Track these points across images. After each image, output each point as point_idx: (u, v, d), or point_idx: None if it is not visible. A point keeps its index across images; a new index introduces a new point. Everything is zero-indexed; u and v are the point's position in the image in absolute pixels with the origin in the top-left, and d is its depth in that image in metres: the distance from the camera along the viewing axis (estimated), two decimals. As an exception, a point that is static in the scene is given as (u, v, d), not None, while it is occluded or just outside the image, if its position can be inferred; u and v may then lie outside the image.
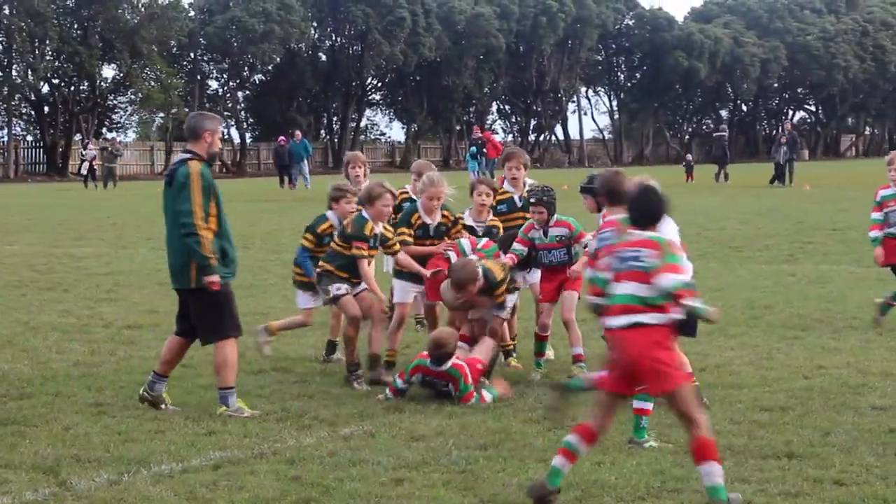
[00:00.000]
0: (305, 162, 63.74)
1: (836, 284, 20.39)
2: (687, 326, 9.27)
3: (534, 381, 12.95)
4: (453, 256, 13.15)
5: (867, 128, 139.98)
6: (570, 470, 8.69)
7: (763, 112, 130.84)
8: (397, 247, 13.10)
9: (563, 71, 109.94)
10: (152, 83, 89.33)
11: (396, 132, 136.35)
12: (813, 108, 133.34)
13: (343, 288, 12.76)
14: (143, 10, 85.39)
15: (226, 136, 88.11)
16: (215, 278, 11.32)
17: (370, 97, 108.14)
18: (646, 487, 8.97)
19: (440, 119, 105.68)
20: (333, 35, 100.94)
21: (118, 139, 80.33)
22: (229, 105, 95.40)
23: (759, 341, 14.84)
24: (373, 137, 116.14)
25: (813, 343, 14.90)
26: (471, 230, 13.71)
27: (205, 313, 11.44)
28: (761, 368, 13.35)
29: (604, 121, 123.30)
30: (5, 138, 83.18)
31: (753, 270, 22.09)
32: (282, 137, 67.81)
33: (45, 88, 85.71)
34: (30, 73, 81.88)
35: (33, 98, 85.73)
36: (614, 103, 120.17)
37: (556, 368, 13.62)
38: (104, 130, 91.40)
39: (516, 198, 14.05)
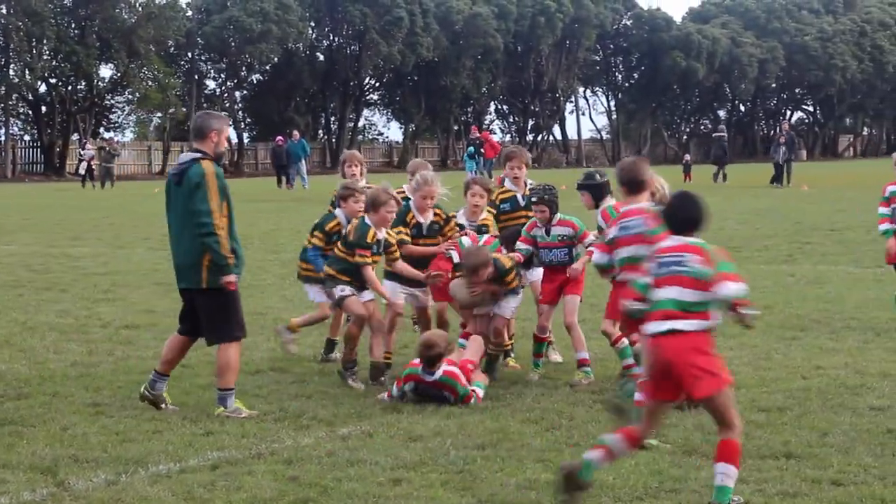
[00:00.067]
0: (303, 162, 63.75)
1: (834, 285, 20.41)
2: None
3: (532, 382, 12.95)
4: (455, 256, 13.16)
5: (865, 128, 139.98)
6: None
7: (761, 112, 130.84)
8: (398, 254, 13.07)
9: (560, 71, 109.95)
10: (150, 83, 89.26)
11: (394, 132, 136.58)
12: (811, 109, 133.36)
13: (347, 289, 12.73)
14: (140, 9, 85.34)
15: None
16: (233, 278, 11.34)
17: (368, 97, 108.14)
18: (644, 487, 8.97)
19: (438, 119, 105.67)
20: (331, 35, 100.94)
21: (115, 139, 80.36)
22: (227, 105, 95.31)
23: (758, 342, 14.84)
24: (370, 137, 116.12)
25: (811, 343, 14.91)
26: (461, 229, 13.72)
27: (214, 314, 11.41)
28: (759, 369, 13.36)
29: (602, 121, 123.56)
30: (3, 138, 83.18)
31: (752, 271, 22.08)
32: (279, 137, 67.83)
33: (43, 88, 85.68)
34: (27, 72, 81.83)
35: (30, 98, 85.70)
36: (612, 103, 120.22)
37: (557, 369, 13.62)
38: (101, 130, 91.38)
39: (519, 196, 14.03)
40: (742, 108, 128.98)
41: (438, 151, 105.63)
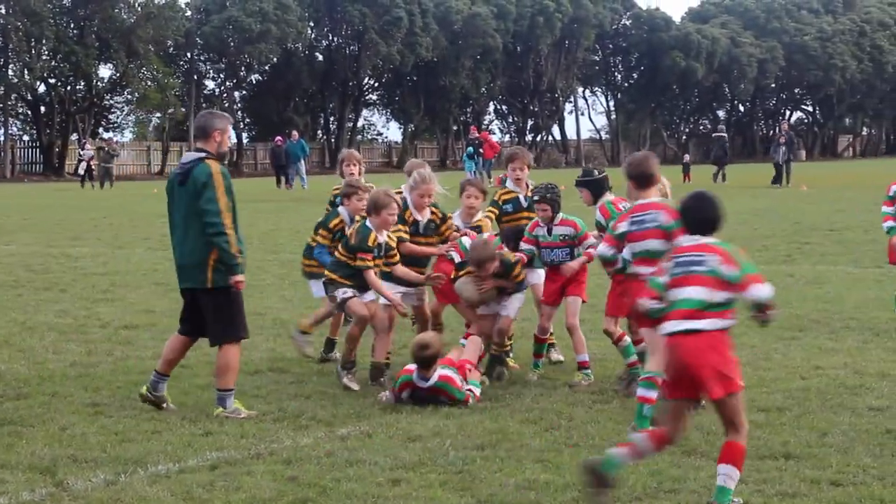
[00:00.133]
0: (302, 162, 63.72)
1: (833, 285, 20.40)
2: None
3: (531, 382, 12.94)
4: (456, 257, 13.14)
5: (864, 128, 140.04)
6: (629, 466, 8.58)
7: (760, 112, 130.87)
8: (398, 257, 13.03)
9: (560, 71, 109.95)
10: (149, 83, 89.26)
11: (393, 132, 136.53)
12: (810, 109, 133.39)
13: (349, 291, 12.68)
14: (139, 9, 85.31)
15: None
16: (242, 277, 11.34)
17: (367, 97, 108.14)
18: (642, 488, 8.97)
19: (437, 119, 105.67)
20: (330, 35, 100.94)
21: (114, 139, 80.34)
22: (226, 105, 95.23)
23: (757, 342, 14.83)
24: (370, 137, 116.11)
25: (810, 344, 14.91)
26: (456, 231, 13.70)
27: (218, 314, 11.39)
28: (759, 369, 13.35)
29: (601, 121, 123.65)
30: (2, 138, 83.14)
31: (750, 271, 22.08)
32: (278, 137, 67.81)
33: (42, 88, 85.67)
34: (26, 72, 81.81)
35: (30, 98, 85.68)
36: (611, 103, 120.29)
37: (556, 370, 13.62)
38: (100, 130, 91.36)
39: (521, 198, 13.97)
40: (741, 108, 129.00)
41: (437, 151, 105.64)
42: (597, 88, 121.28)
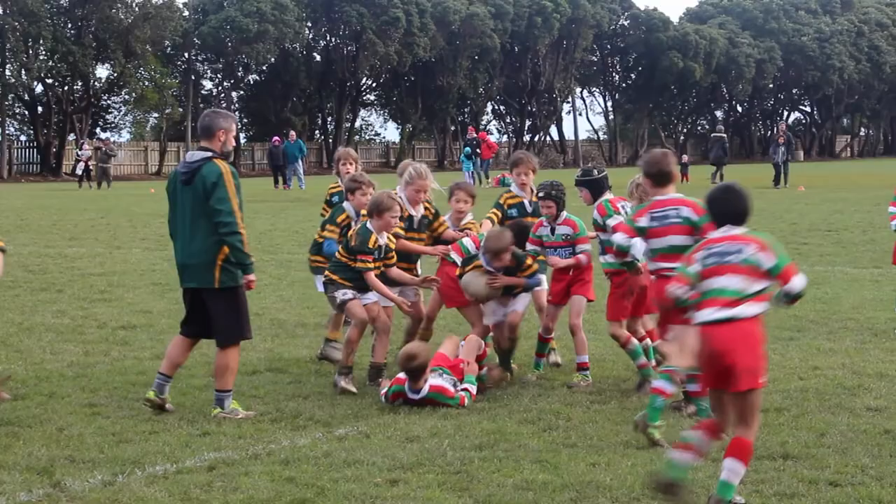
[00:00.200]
0: (300, 162, 63.74)
1: (831, 285, 20.39)
2: None
3: (529, 382, 12.93)
4: (457, 258, 13.09)
5: (862, 129, 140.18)
6: (687, 465, 8.55)
7: (758, 113, 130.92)
8: (395, 259, 13.00)
9: (557, 71, 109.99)
10: (146, 83, 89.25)
11: (391, 132, 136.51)
12: (808, 109, 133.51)
13: (349, 293, 12.64)
14: (136, 9, 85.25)
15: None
16: (254, 276, 11.33)
17: (365, 97, 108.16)
18: (641, 488, 8.96)
19: (435, 119, 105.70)
20: (328, 35, 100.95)
21: (112, 139, 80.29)
22: (223, 105, 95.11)
23: (755, 342, 14.80)
24: (367, 138, 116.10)
25: (808, 344, 14.91)
26: None
27: (225, 314, 11.35)
28: (756, 369, 13.33)
29: (599, 121, 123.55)
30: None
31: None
32: (276, 138, 67.82)
33: (39, 88, 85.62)
34: (23, 72, 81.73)
35: (27, 98, 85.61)
36: (609, 104, 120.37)
37: (554, 370, 13.61)
38: (98, 130, 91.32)
39: (526, 202, 13.82)
40: (739, 108, 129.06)
41: (435, 152, 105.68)
42: (594, 89, 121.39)
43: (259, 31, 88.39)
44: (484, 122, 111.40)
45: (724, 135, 68.73)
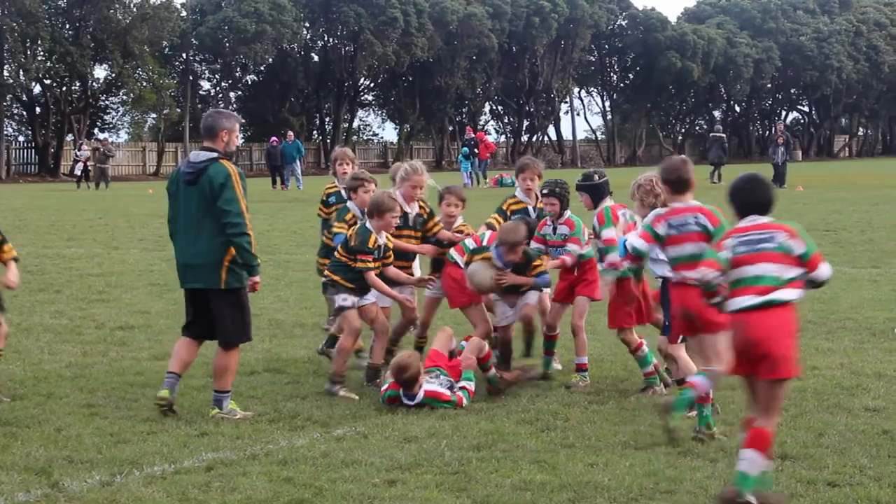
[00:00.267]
0: (298, 163, 63.72)
1: (829, 285, 20.35)
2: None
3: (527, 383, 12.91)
4: (459, 259, 13.05)
5: (860, 128, 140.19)
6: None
7: (756, 113, 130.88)
8: (392, 258, 12.97)
9: (555, 71, 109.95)
10: (144, 84, 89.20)
11: (389, 133, 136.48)
12: (806, 109, 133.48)
13: (349, 300, 12.60)
14: (134, 10, 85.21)
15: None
16: (259, 279, 11.32)
17: (362, 98, 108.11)
18: (639, 489, 8.96)
19: (433, 119, 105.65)
20: (325, 35, 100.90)
21: (110, 140, 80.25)
22: (221, 105, 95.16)
23: (753, 342, 14.79)
24: (365, 138, 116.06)
25: (807, 344, 14.88)
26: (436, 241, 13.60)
27: (230, 315, 11.32)
28: (755, 369, 13.32)
29: (596, 121, 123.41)
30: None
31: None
32: (274, 138, 67.76)
33: (37, 89, 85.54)
34: (21, 73, 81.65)
35: (25, 98, 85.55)
36: (607, 104, 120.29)
37: (554, 371, 13.58)
38: (96, 131, 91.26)
39: (530, 209, 13.76)
40: (737, 108, 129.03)
41: (433, 152, 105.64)
42: (592, 89, 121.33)
43: (257, 32, 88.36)
44: (482, 123, 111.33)
45: (723, 135, 68.69)
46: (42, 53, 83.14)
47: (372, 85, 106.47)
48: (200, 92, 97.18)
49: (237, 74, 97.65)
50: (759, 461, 8.27)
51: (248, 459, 9.87)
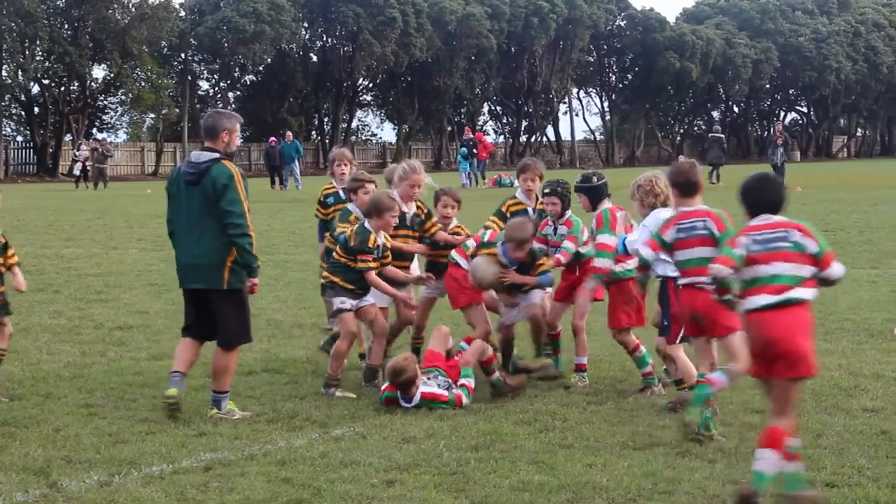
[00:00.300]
0: (296, 163, 63.70)
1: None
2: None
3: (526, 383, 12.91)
4: (461, 261, 13.03)
5: (859, 129, 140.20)
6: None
7: (755, 113, 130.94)
8: (390, 258, 12.94)
9: (554, 72, 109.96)
10: (143, 84, 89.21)
11: (388, 133, 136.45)
12: (805, 110, 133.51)
13: (348, 303, 12.58)
14: (133, 10, 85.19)
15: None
16: (258, 280, 11.32)
17: (361, 98, 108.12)
18: (637, 489, 8.96)
19: (431, 120, 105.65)
20: (324, 35, 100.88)
21: (108, 140, 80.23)
22: (220, 106, 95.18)
23: (751, 343, 14.79)
24: (364, 138, 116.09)
25: (805, 344, 14.87)
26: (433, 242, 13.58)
27: (232, 315, 11.30)
28: (753, 370, 13.32)
29: (595, 122, 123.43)
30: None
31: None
32: (272, 138, 67.76)
33: (36, 89, 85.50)
34: (20, 73, 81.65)
35: (23, 98, 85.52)
36: (605, 104, 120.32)
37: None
38: (94, 131, 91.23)
39: (530, 210, 13.69)
40: (736, 108, 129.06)
41: (432, 152, 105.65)
42: (591, 89, 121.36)
43: (255, 32, 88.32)
44: (480, 123, 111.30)
45: (722, 135, 68.72)
46: (40, 53, 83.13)
47: (370, 85, 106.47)
48: (199, 92, 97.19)
49: (236, 74, 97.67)
50: (774, 460, 8.25)
51: (246, 460, 9.87)
